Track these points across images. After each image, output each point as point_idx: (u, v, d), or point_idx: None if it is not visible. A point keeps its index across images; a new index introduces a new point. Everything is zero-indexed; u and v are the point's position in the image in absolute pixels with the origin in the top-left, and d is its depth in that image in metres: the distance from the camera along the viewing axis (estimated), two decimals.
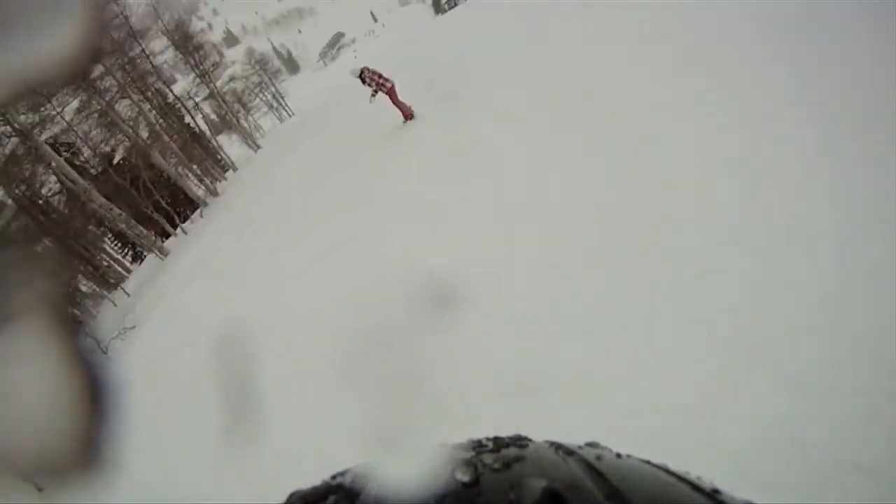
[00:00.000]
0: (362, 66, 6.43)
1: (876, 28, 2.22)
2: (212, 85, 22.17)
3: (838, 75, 2.13)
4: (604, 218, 2.31)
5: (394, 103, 6.47)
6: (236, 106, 25.28)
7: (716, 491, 0.24)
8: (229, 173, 22.00)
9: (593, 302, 1.94)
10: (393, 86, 6.36)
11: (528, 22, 7.27)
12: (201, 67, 21.44)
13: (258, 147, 23.84)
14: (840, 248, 1.55)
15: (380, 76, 6.30)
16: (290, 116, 30.65)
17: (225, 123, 25.85)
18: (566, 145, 3.11)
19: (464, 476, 0.24)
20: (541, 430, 0.36)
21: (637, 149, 2.60)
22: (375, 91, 6.38)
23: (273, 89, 30.96)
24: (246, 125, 26.00)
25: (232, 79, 27.58)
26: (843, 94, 2.03)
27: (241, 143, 25.56)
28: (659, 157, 2.42)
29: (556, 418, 1.37)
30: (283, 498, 0.28)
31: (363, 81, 6.35)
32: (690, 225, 1.95)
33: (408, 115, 6.52)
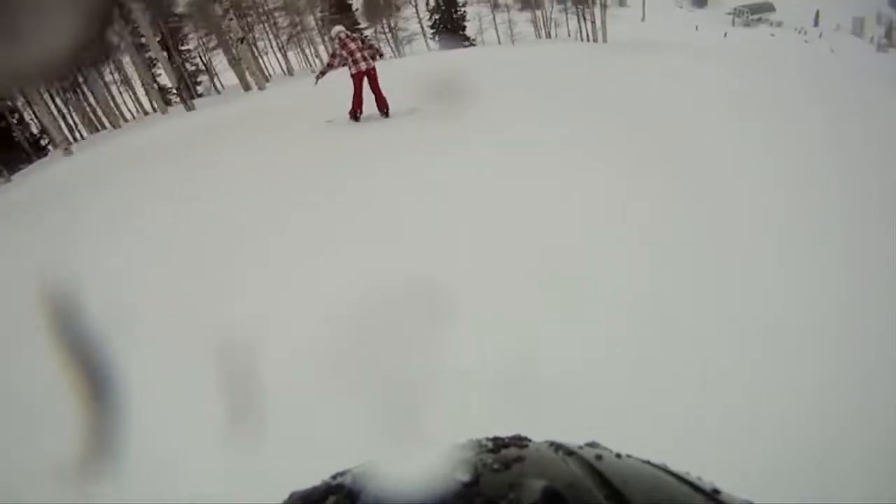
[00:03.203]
0: (338, 29, 4.62)
1: None
2: None
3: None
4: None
5: (355, 92, 4.64)
6: None
7: (716, 491, 0.24)
8: None
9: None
10: (365, 72, 4.45)
11: None
12: None
13: None
14: None
15: (347, 49, 4.35)
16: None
17: None
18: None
19: (463, 476, 0.24)
20: (541, 430, 0.36)
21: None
22: (323, 72, 4.57)
23: None
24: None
25: None
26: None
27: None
28: None
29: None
30: (283, 498, 0.28)
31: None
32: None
33: (355, 110, 4.75)
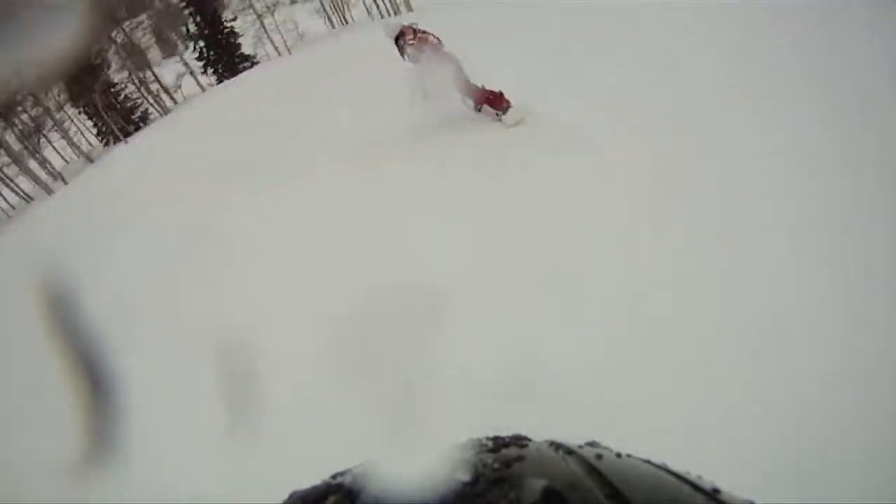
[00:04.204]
0: (403, 24, 3.42)
1: None
2: None
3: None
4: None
5: (468, 94, 3.39)
6: None
7: (716, 490, 0.24)
8: None
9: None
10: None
11: None
12: None
13: None
14: None
15: (429, 43, 3.22)
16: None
17: None
18: None
19: (463, 476, 0.24)
20: (540, 430, 0.36)
21: None
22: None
23: None
24: None
25: None
26: None
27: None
28: None
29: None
30: (283, 498, 0.28)
31: (400, 51, 3.41)
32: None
33: (498, 102, 3.36)
